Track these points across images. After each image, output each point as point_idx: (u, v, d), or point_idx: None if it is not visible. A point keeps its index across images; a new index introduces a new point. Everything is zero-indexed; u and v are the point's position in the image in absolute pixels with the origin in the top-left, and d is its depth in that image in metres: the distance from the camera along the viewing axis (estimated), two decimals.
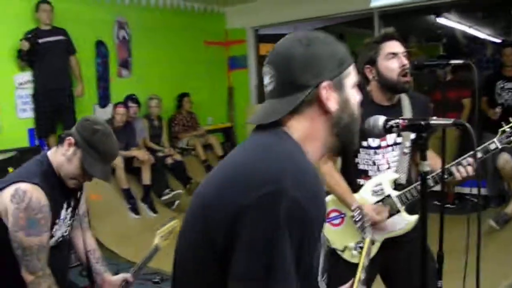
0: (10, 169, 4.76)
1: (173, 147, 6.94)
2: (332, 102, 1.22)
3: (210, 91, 8.13)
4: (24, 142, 5.70)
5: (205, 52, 8.02)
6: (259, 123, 1.25)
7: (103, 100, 6.51)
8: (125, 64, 6.82)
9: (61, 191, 2.24)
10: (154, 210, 6.03)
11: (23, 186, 2.05)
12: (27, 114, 5.75)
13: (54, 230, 2.21)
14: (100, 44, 6.49)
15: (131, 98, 6.30)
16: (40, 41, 5.50)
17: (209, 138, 7.42)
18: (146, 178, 5.98)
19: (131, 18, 6.86)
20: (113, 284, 2.46)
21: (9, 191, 2.05)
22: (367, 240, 1.69)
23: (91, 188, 5.27)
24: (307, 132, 1.23)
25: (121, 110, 5.94)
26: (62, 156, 2.21)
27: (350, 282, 1.46)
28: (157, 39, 7.17)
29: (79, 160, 2.17)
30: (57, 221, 2.22)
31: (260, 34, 8.44)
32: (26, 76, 5.71)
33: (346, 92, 1.24)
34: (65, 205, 2.28)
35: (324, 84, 1.20)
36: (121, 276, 2.48)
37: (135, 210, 5.88)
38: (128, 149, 5.98)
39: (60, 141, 2.25)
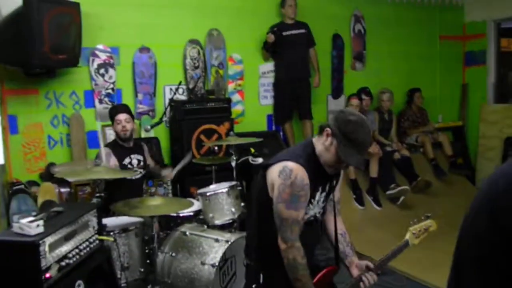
0: (252, 150, 5.20)
1: (401, 142, 6.82)
2: None
3: (442, 88, 7.79)
4: (263, 127, 6.20)
5: (440, 47, 7.72)
6: None
7: (336, 91, 6.72)
8: (359, 57, 6.93)
9: (319, 176, 2.42)
10: (378, 203, 6.01)
11: (290, 164, 2.31)
12: (267, 101, 6.24)
13: (308, 209, 2.41)
14: (336, 37, 6.70)
15: (364, 90, 6.37)
16: (284, 33, 5.90)
17: (439, 136, 7.10)
18: (374, 170, 5.98)
19: (367, 12, 6.93)
20: (359, 268, 2.57)
21: (278, 167, 2.33)
22: None
23: None
24: None
25: (355, 101, 6.05)
26: (321, 145, 2.38)
27: None
28: (392, 33, 7.14)
29: (335, 149, 2.32)
30: (312, 200, 2.42)
31: (502, 27, 7.76)
32: (269, 66, 6.19)
33: None
34: (320, 189, 2.46)
35: None
36: (365, 262, 2.58)
37: (360, 201, 5.94)
38: None
39: (319, 131, 2.43)
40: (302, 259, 2.30)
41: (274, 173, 2.34)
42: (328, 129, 2.35)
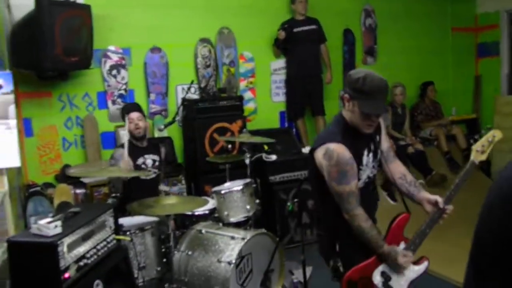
0: (265, 147, 5.20)
1: (414, 136, 6.78)
2: None
3: (455, 80, 7.73)
4: (276, 124, 6.20)
5: (452, 39, 7.66)
6: None
7: None
8: (370, 51, 6.89)
9: (360, 141, 2.60)
10: (393, 198, 5.97)
11: (331, 145, 2.50)
12: (280, 98, 6.24)
13: (359, 174, 2.59)
14: (347, 32, 6.67)
15: None
16: (295, 30, 5.89)
17: (453, 129, 7.05)
18: None
19: (378, 6, 6.89)
20: (430, 202, 2.67)
21: (321, 150, 2.53)
22: None
23: None
24: None
25: None
26: (348, 112, 2.58)
27: None
28: (403, 27, 7.09)
29: (358, 108, 2.49)
30: (360, 167, 2.60)
31: None
32: (280, 63, 6.18)
33: None
34: (365, 152, 2.63)
35: None
36: (435, 196, 2.66)
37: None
38: None
39: (342, 101, 2.61)
40: (366, 223, 2.49)
41: (319, 156, 2.54)
42: (345, 95, 2.56)
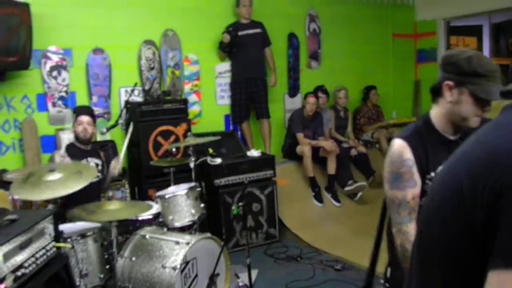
0: (210, 150, 5.19)
1: (357, 139, 6.95)
2: None
3: (396, 85, 7.97)
4: (221, 127, 6.19)
5: (392, 45, 7.89)
6: None
7: (293, 90, 6.77)
8: (314, 55, 7.00)
9: (443, 148, 2.05)
10: (337, 200, 6.09)
11: (395, 141, 2.07)
12: (224, 101, 6.23)
13: (425, 187, 2.06)
14: (292, 36, 6.75)
15: (321, 88, 6.44)
16: (239, 33, 5.90)
17: (394, 131, 7.26)
18: (331, 168, 6.06)
19: (322, 11, 7.02)
20: None
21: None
22: None
23: (279, 174, 5.54)
24: None
25: (311, 99, 6.10)
26: (447, 104, 2.01)
27: None
28: (346, 32, 7.25)
29: (469, 96, 1.94)
30: (429, 176, 2.06)
31: (451, 26, 8.03)
32: (225, 66, 6.18)
33: None
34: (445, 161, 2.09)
35: None
36: None
37: (319, 198, 6.00)
38: (315, 138, 6.13)
39: (435, 95, 2.07)
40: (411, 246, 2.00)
41: None
42: (448, 82, 1.96)
